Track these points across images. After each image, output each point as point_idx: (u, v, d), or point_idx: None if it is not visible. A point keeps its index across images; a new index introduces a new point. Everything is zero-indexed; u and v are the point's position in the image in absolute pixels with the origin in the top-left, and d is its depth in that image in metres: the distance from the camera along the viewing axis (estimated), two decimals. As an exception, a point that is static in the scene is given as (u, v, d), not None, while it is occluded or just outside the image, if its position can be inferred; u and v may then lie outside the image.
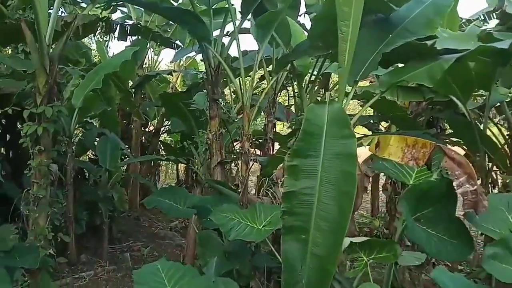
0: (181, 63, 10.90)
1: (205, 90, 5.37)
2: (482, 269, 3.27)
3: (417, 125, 5.79)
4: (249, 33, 6.35)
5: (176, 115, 5.56)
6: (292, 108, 6.83)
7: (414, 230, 2.73)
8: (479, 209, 2.69)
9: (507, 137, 5.11)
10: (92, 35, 9.32)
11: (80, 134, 7.23)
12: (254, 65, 4.18)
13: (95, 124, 7.80)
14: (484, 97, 6.49)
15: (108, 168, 5.56)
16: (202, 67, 11.23)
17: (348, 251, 3.03)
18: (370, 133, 7.78)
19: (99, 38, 10.96)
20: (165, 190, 4.27)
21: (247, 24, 6.44)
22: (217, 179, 4.32)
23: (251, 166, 4.14)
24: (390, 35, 4.00)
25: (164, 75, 9.80)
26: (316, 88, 4.43)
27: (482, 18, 8.19)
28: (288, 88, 6.08)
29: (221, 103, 4.37)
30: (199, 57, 11.12)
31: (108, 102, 6.92)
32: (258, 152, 5.88)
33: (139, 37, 8.21)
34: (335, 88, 4.94)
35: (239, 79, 4.26)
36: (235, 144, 5.35)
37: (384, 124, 8.71)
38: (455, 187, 2.80)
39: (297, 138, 4.19)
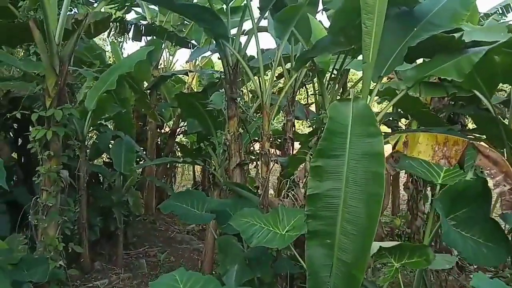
0: (197, 63, 10.84)
1: (222, 90, 5.29)
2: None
3: (440, 121, 5.61)
4: (266, 31, 6.25)
5: (192, 115, 5.47)
6: (311, 107, 6.70)
7: (450, 234, 2.59)
8: (519, 211, 2.53)
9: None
10: (106, 36, 9.37)
11: (94, 137, 7.21)
12: (274, 62, 4.07)
13: (109, 127, 7.78)
14: (507, 91, 6.31)
15: (122, 171, 5.49)
16: (218, 66, 11.17)
17: (377, 256, 2.89)
18: (390, 130, 7.62)
19: (114, 40, 11.03)
20: (181, 194, 4.18)
21: (263, 23, 6.38)
22: (236, 181, 4.23)
23: (272, 167, 4.02)
24: (415, 29, 3.86)
25: (179, 75, 9.77)
26: (337, 85, 4.30)
27: (500, 11, 7.99)
28: (307, 86, 5.95)
29: (239, 103, 4.27)
30: (215, 57, 11.09)
31: (122, 103, 6.89)
32: (277, 152, 5.77)
33: (154, 37, 8.20)
34: (357, 85, 4.79)
35: (258, 77, 4.15)
36: (253, 144, 5.25)
37: (404, 122, 8.52)
38: (492, 187, 2.64)
39: (320, 138, 4.10)
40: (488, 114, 5.03)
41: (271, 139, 3.96)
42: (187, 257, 6.76)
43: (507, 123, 4.86)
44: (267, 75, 4.19)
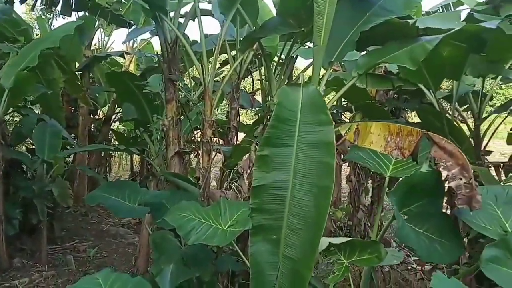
0: (135, 45, 10.28)
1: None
2: (469, 267, 3.06)
3: (386, 114, 5.60)
4: (210, 15, 5.94)
5: (127, 99, 5.05)
6: (257, 96, 6.47)
7: (403, 229, 2.45)
8: (473, 205, 2.44)
9: (472, 128, 4.99)
10: (30, 9, 8.61)
11: (18, 121, 6.57)
12: (219, 40, 3.77)
13: (36, 111, 7.14)
14: (449, 87, 6.43)
15: (45, 159, 4.97)
16: (159, 50, 10.66)
17: (326, 253, 2.71)
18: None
19: (42, 15, 10.21)
20: (112, 185, 3.80)
21: (207, 6, 6.05)
22: (174, 172, 3.91)
23: (214, 157, 3.74)
24: (367, 13, 3.72)
25: (115, 57, 9.19)
26: (285, 71, 4.08)
27: (441, 11, 8.17)
28: (252, 74, 5.71)
29: (179, 85, 3.93)
30: (154, 40, 10.56)
31: (49, 84, 6.35)
32: (220, 142, 5.49)
33: (86, 13, 7.62)
34: (305, 73, 4.60)
35: (200, 60, 3.83)
36: (195, 132, 4.93)
37: (347, 115, 8.51)
38: (447, 180, 2.53)
39: (267, 125, 3.88)
40: (432, 108, 5.07)
41: (213, 126, 3.68)
42: (121, 252, 6.35)
43: (450, 118, 4.90)
44: (213, 56, 3.87)
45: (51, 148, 5.02)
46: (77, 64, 8.15)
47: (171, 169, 3.91)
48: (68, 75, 6.87)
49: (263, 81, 4.78)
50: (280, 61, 4.27)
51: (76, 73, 7.85)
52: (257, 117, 5.74)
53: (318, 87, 3.26)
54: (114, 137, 9.71)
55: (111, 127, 9.49)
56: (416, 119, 6.36)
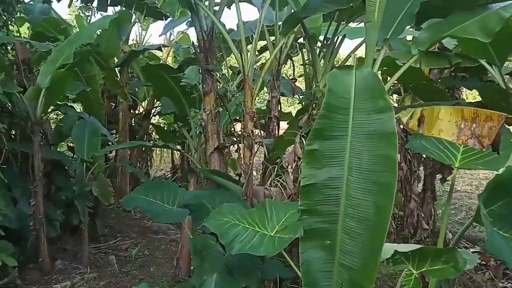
0: (172, 38, 10.02)
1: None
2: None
3: (445, 96, 5.03)
4: (245, 0, 5.56)
5: (163, 92, 4.76)
6: (299, 82, 6.03)
7: (495, 240, 2.00)
8: None
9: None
10: (67, 6, 8.50)
11: (58, 120, 6.45)
12: (257, 26, 3.38)
13: (76, 108, 7.01)
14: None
15: (85, 158, 4.76)
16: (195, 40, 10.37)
17: (391, 262, 2.29)
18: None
19: (80, 13, 10.13)
20: (149, 186, 3.50)
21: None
22: (214, 168, 3.57)
23: (256, 151, 3.38)
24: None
25: (153, 51, 8.97)
26: (331, 54, 3.64)
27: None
28: (293, 59, 5.28)
29: (217, 75, 3.58)
30: (191, 32, 10.26)
31: (88, 81, 6.16)
32: (261, 133, 5.12)
33: (123, 7, 7.41)
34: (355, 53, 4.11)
35: (238, 47, 3.45)
36: (234, 125, 4.58)
37: (394, 98, 7.92)
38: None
39: (311, 115, 3.48)
40: (497, 86, 4.47)
41: (254, 118, 3.30)
42: (163, 250, 6.13)
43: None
44: (252, 44, 3.48)
45: (90, 147, 4.82)
46: (115, 60, 7.97)
47: (211, 165, 3.59)
48: (107, 71, 6.71)
49: (306, 66, 4.33)
50: (325, 43, 3.82)
51: (115, 69, 7.67)
52: (300, 105, 5.30)
53: (372, 69, 2.81)
54: (155, 131, 9.52)
55: (151, 121, 9.30)
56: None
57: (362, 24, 5.10)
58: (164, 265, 5.34)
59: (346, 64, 3.88)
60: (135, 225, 7.17)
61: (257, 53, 7.01)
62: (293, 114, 5.67)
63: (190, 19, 6.43)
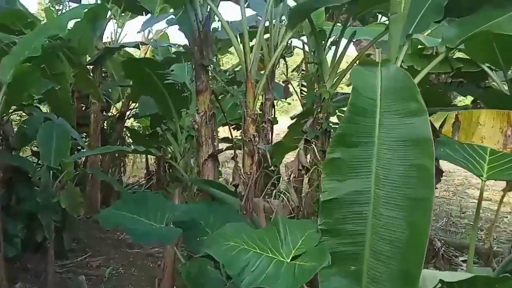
0: (150, 36, 9.58)
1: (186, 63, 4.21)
2: None
3: (448, 101, 4.81)
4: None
5: (146, 91, 4.33)
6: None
7: None
8: None
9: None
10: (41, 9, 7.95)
11: (22, 121, 5.92)
12: (263, 17, 3.03)
13: (42, 109, 6.50)
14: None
15: (52, 165, 4.27)
16: (175, 40, 9.96)
17: (432, 293, 1.98)
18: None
19: (50, 6, 9.58)
20: (129, 199, 3.07)
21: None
22: (208, 178, 3.20)
23: (257, 159, 3.02)
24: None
25: (129, 49, 8.51)
26: (340, 50, 3.33)
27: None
28: (286, 60, 4.95)
29: (212, 72, 3.21)
30: (171, 31, 9.85)
31: (57, 79, 5.68)
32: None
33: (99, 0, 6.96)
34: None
35: (240, 39, 3.09)
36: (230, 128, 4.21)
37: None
38: None
39: (316, 119, 3.17)
40: (501, 92, 4.26)
41: (257, 121, 2.96)
42: (140, 266, 5.68)
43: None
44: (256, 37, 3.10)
45: (58, 152, 4.33)
46: (88, 58, 7.49)
47: (204, 175, 3.21)
48: (79, 68, 6.20)
49: (307, 64, 3.99)
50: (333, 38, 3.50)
51: (88, 67, 7.19)
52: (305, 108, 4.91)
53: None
54: (129, 135, 9.04)
55: (125, 124, 8.82)
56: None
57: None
58: (141, 285, 4.89)
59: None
60: (106, 238, 6.65)
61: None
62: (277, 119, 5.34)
63: (171, 16, 6.05)
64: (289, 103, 5.86)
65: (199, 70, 3.15)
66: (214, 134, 3.26)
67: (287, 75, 5.15)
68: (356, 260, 2.19)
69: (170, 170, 8.99)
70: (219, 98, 3.60)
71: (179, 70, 4.17)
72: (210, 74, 3.18)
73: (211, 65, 3.13)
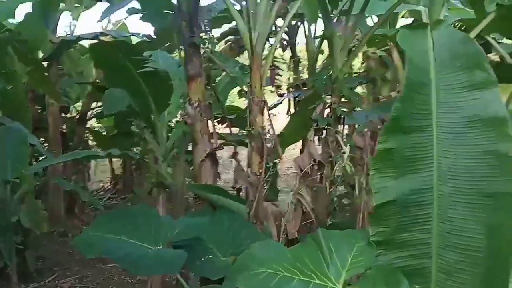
0: (110, 27, 8.86)
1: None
2: None
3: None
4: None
5: (119, 81, 3.67)
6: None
7: None
8: None
9: None
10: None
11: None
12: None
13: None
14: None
15: (9, 178, 3.58)
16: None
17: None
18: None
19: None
20: (112, 217, 2.45)
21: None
22: (207, 183, 2.65)
23: (266, 156, 2.50)
24: None
25: (87, 42, 7.77)
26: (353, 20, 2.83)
27: None
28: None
29: (207, 51, 2.65)
30: (131, 21, 9.16)
31: (7, 78, 5.07)
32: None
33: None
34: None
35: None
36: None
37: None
38: None
39: (335, 103, 2.69)
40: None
41: (266, 107, 2.44)
42: (117, 283, 5.04)
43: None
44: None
45: (16, 162, 3.63)
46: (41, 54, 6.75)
47: (202, 178, 2.66)
48: (33, 65, 5.53)
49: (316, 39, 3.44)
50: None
51: (42, 63, 6.45)
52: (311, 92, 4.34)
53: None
54: (91, 138, 8.31)
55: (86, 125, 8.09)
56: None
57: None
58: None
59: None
60: (75, 253, 5.92)
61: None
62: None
63: (131, 5, 5.47)
64: (272, 91, 5.36)
65: (189, 51, 2.59)
66: (212, 129, 2.72)
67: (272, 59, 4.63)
68: (422, 276, 1.75)
69: (139, 173, 8.41)
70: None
71: (159, 56, 3.57)
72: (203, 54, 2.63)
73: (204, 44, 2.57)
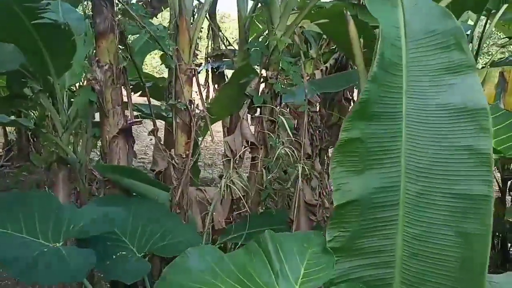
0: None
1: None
2: None
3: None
4: None
5: (7, 35, 2.98)
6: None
7: None
8: None
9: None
10: None
11: None
12: None
13: None
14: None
15: None
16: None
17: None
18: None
19: None
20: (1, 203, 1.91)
21: None
22: (119, 163, 2.17)
23: (194, 135, 2.08)
24: None
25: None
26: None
27: None
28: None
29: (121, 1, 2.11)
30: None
31: None
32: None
33: None
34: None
35: None
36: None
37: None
38: None
39: (272, 77, 2.36)
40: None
41: (193, 74, 2.01)
42: None
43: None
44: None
45: None
46: None
47: (113, 158, 2.17)
48: None
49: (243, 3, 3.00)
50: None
51: None
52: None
53: None
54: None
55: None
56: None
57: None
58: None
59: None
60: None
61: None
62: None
63: None
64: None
65: (98, 1, 2.04)
66: (125, 99, 2.22)
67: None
68: (382, 288, 1.47)
69: (34, 140, 7.48)
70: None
71: (58, 6, 2.92)
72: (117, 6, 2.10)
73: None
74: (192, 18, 2.06)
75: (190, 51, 2.02)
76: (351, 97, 3.98)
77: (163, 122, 3.12)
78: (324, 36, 4.15)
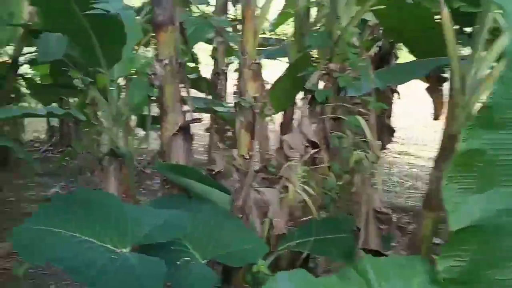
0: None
1: None
2: None
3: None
4: None
5: (58, 26, 2.69)
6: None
7: None
8: None
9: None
10: None
11: None
12: None
13: None
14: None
15: None
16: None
17: None
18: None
19: None
20: (59, 202, 1.64)
21: None
22: (178, 163, 1.87)
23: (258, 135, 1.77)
24: None
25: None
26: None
27: None
28: None
29: None
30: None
31: None
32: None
33: None
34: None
35: None
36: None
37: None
38: None
39: (335, 71, 2.03)
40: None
41: (257, 66, 1.69)
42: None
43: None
44: None
45: None
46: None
47: (172, 156, 1.88)
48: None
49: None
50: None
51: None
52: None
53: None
54: (25, 86, 7.01)
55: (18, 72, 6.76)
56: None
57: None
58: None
59: None
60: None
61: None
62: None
63: None
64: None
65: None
66: (185, 94, 1.92)
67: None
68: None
69: (77, 126, 7.29)
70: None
71: None
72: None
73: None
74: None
75: (254, 41, 1.69)
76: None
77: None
78: (370, 24, 3.77)
